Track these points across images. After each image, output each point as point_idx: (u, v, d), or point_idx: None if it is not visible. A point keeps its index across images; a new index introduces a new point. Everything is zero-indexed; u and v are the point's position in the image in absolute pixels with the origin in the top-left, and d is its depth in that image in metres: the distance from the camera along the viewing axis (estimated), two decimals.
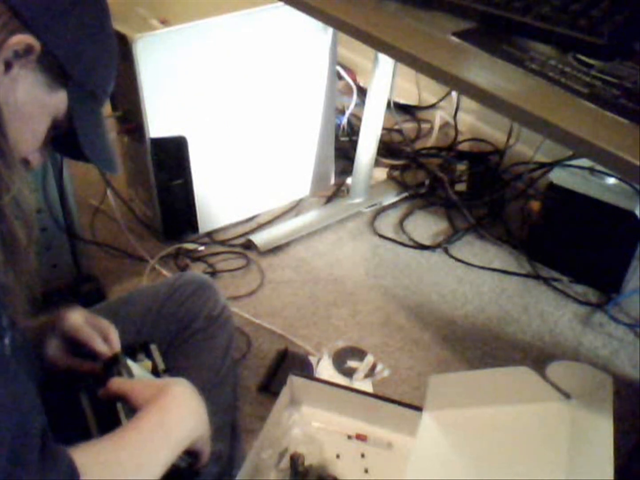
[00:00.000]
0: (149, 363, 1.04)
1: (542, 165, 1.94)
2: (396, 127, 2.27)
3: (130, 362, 0.99)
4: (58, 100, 0.77)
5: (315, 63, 1.82)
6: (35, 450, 0.67)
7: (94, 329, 0.98)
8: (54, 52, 0.73)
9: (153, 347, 1.07)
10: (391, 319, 1.65)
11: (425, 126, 2.35)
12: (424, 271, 1.80)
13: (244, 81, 1.71)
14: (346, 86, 2.31)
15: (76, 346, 0.98)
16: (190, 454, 0.89)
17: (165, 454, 0.82)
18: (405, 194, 2.05)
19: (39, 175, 1.48)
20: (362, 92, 2.16)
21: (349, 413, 1.31)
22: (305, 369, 1.47)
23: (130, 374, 0.96)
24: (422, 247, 1.87)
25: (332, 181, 2.09)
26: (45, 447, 0.69)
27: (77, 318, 0.97)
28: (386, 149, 2.17)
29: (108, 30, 0.81)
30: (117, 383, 0.91)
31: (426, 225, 1.95)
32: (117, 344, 1.00)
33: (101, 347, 0.98)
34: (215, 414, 1.14)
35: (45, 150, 0.83)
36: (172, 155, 1.69)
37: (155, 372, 1.04)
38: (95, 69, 0.80)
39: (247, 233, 1.90)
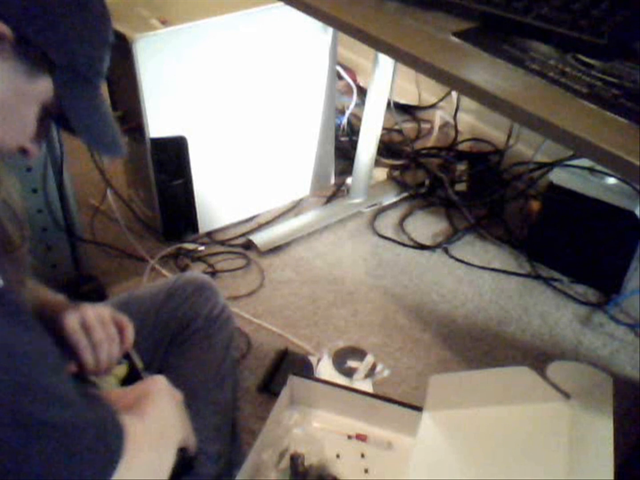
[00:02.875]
0: (123, 368, 1.03)
1: (542, 165, 1.94)
2: (396, 127, 2.27)
3: (98, 380, 0.99)
4: (42, 87, 0.73)
5: (315, 63, 1.82)
6: (75, 390, 0.67)
7: (87, 339, 0.96)
8: (28, 38, 0.69)
9: (131, 351, 1.05)
10: (391, 318, 1.65)
11: (425, 126, 2.35)
12: (424, 271, 1.80)
13: (244, 81, 1.71)
14: (346, 86, 2.31)
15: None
16: (181, 449, 0.89)
17: (168, 458, 0.81)
18: (405, 194, 2.05)
19: (39, 175, 1.48)
20: (362, 92, 2.16)
21: (349, 413, 1.31)
22: (305, 369, 1.47)
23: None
24: (422, 247, 1.87)
25: (332, 181, 2.09)
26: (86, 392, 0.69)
27: (74, 324, 0.95)
28: (386, 149, 2.18)
29: (93, 8, 0.76)
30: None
31: (426, 225, 1.95)
32: (104, 364, 0.98)
33: (89, 361, 0.96)
34: (215, 414, 1.15)
35: (43, 138, 0.80)
36: (172, 155, 1.69)
37: (135, 372, 1.03)
38: (80, 50, 0.74)
39: (247, 233, 1.90)
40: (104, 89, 0.87)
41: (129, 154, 1.82)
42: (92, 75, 0.77)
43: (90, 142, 0.79)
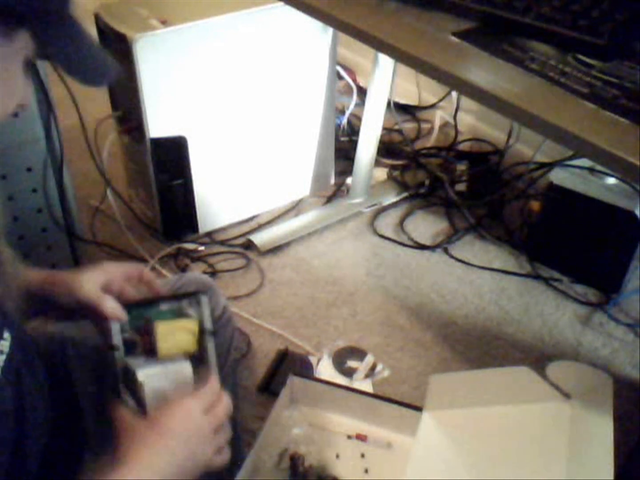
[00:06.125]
0: (191, 323, 0.88)
1: (542, 165, 1.94)
2: (396, 127, 2.27)
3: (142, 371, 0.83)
4: (22, 42, 0.65)
5: (315, 63, 1.82)
6: None
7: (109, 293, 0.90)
8: None
9: (204, 301, 0.89)
10: (391, 319, 1.65)
11: (425, 126, 2.35)
12: (424, 271, 1.80)
13: (243, 81, 1.71)
14: (346, 86, 2.31)
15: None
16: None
17: None
18: (405, 194, 2.05)
19: (39, 175, 1.48)
20: (362, 92, 2.15)
21: (349, 413, 1.31)
22: (305, 369, 1.47)
23: (133, 389, 0.84)
24: (422, 247, 1.87)
25: (332, 181, 2.09)
26: None
27: (90, 289, 0.88)
28: (386, 149, 2.17)
29: None
30: (119, 413, 0.83)
31: (426, 225, 1.95)
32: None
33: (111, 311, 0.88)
34: None
35: (30, 80, 0.74)
36: (172, 155, 1.69)
37: (201, 331, 0.88)
38: None
39: (247, 233, 1.90)
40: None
41: (128, 154, 1.82)
42: (66, 9, 0.68)
43: (81, 78, 0.72)
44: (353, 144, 2.04)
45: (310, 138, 1.95)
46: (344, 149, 2.14)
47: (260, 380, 1.48)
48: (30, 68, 0.72)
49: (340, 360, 1.51)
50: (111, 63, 0.74)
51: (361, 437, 1.29)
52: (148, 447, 0.78)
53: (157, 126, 1.64)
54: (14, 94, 0.70)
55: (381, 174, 2.12)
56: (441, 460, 1.16)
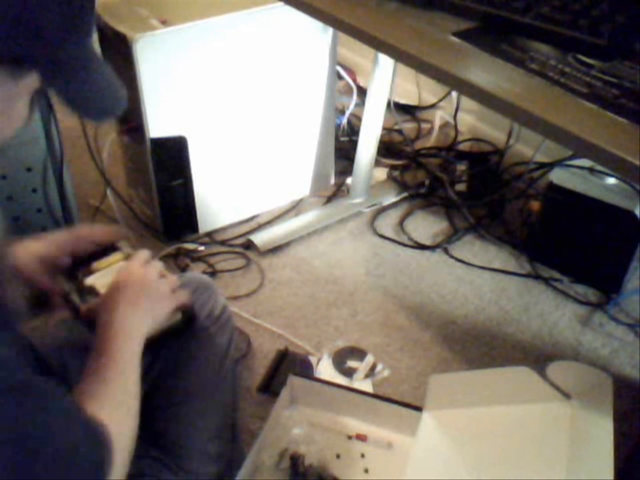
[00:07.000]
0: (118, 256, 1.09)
1: (542, 165, 1.94)
2: (396, 127, 2.27)
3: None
4: (29, 81, 0.67)
5: (315, 63, 1.82)
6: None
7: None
8: (8, 50, 0.62)
9: (123, 244, 1.11)
10: (391, 319, 1.65)
11: (425, 126, 2.35)
12: (424, 271, 1.80)
13: (244, 81, 1.71)
14: (346, 86, 2.31)
15: None
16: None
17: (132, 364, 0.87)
18: (405, 194, 2.05)
19: (39, 175, 1.48)
20: (362, 92, 2.15)
21: (349, 413, 1.31)
22: (305, 369, 1.47)
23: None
24: (422, 247, 1.87)
25: (332, 181, 2.09)
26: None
27: (26, 259, 0.98)
28: (386, 149, 2.17)
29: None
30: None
31: (426, 225, 1.95)
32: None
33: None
34: (215, 414, 1.15)
35: (35, 109, 0.75)
36: (172, 155, 1.69)
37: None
38: (65, 41, 0.66)
39: (247, 233, 1.90)
40: None
41: (128, 154, 1.82)
42: (79, 54, 0.69)
43: (85, 115, 0.76)
44: (353, 144, 2.04)
45: (310, 138, 1.95)
46: (344, 149, 2.14)
47: (260, 380, 1.48)
48: (36, 100, 0.74)
49: (340, 360, 1.51)
50: (121, 94, 0.76)
51: (361, 437, 1.29)
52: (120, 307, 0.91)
53: (157, 126, 1.64)
54: (16, 123, 0.72)
55: (381, 174, 2.12)
56: (441, 460, 1.16)
